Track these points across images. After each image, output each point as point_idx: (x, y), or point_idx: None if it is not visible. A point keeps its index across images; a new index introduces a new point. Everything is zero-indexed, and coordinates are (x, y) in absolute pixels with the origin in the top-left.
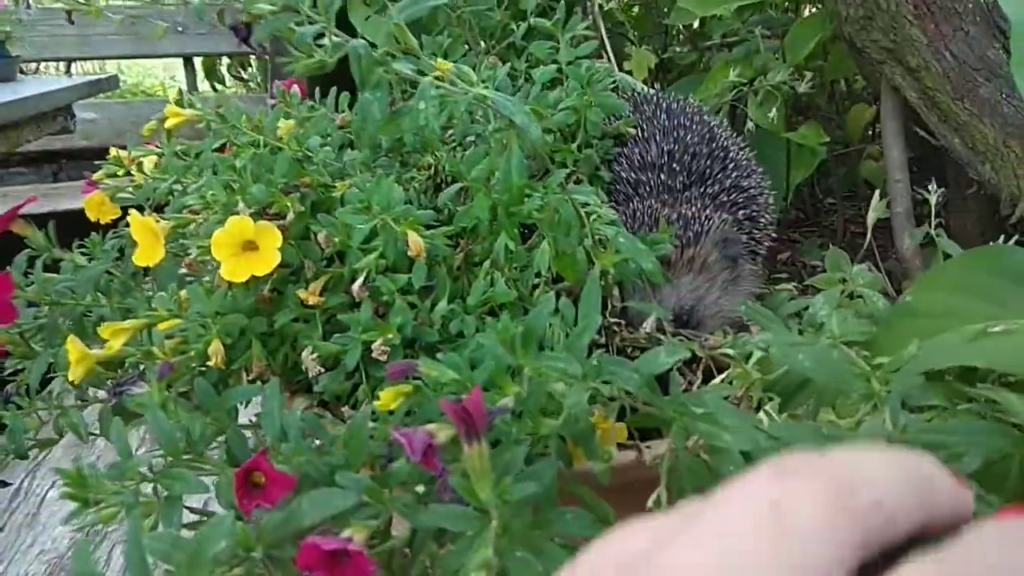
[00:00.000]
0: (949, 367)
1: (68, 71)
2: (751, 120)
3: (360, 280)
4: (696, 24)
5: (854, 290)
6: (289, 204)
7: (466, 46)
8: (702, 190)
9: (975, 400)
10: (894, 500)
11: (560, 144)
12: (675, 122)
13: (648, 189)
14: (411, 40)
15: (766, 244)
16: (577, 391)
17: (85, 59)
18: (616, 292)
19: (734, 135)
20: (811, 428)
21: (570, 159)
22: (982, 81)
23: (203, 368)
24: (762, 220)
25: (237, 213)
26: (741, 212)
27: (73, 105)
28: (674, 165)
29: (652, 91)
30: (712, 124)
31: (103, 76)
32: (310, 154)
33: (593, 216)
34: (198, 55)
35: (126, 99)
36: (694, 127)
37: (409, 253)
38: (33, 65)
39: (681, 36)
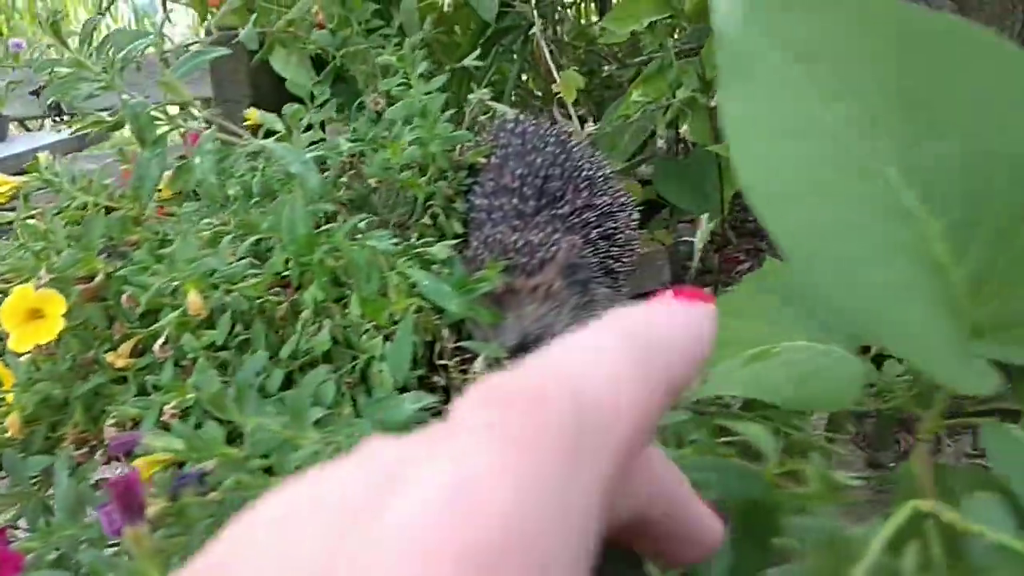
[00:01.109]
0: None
1: (69, 125)
2: (660, 138)
3: (160, 340)
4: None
5: None
6: (100, 267)
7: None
8: (553, 213)
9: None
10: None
11: (413, 179)
12: (529, 146)
13: (501, 215)
14: (184, 94)
15: (628, 259)
16: (310, 449)
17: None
18: (445, 332)
19: (593, 154)
20: None
21: (421, 193)
22: None
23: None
24: (621, 236)
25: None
26: (595, 231)
27: (75, 156)
28: (525, 189)
29: (515, 115)
30: (569, 144)
31: (92, 129)
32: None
33: (405, 259)
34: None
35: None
36: (547, 149)
37: (189, 312)
38: (38, 122)
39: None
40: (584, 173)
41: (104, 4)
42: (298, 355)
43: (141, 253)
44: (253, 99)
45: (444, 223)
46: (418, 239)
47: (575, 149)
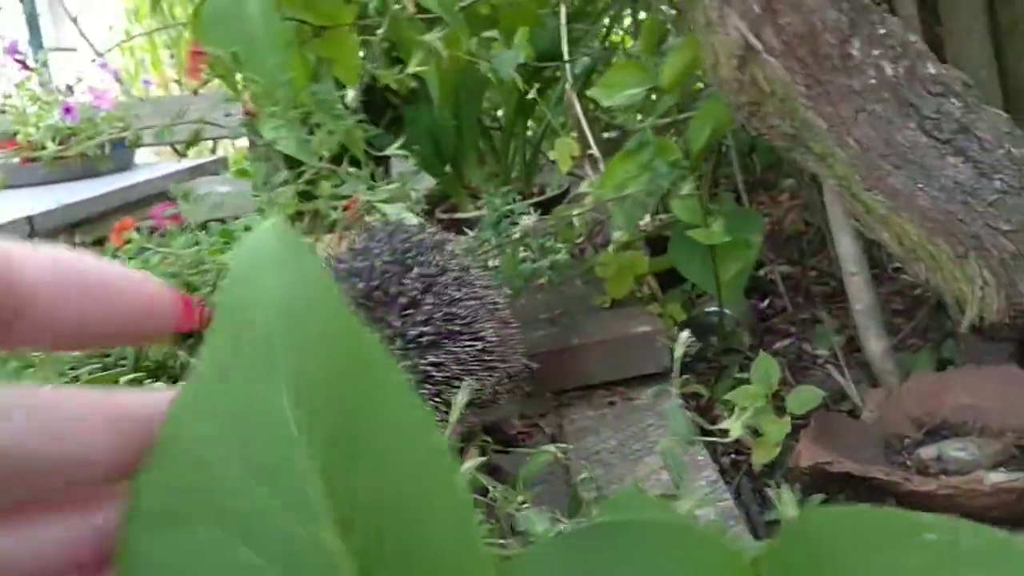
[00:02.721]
0: None
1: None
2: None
3: None
4: None
5: None
6: None
7: None
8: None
9: None
10: None
11: None
12: (362, 264)
13: None
14: None
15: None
16: None
17: (207, 138)
18: None
19: (450, 269)
20: None
21: None
22: (890, 169)
23: None
24: (453, 368)
25: None
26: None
27: (208, 180)
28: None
29: (416, 223)
30: (419, 261)
31: (207, 160)
32: None
33: None
34: None
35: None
36: (393, 270)
37: None
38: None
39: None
40: (403, 298)
41: None
42: None
43: None
44: None
45: None
46: None
47: (418, 266)
